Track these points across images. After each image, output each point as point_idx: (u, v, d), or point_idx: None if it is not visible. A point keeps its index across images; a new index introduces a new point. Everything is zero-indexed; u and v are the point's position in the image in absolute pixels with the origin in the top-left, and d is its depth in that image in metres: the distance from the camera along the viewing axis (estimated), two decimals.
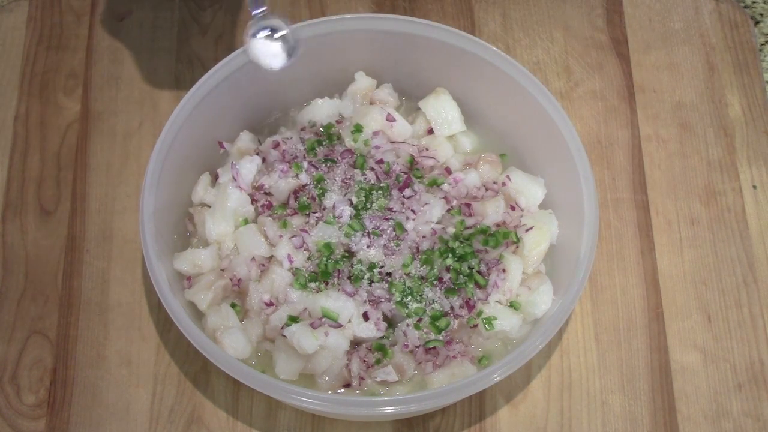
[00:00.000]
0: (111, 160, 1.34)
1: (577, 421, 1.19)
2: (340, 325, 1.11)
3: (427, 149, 1.25)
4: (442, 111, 1.27)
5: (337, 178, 1.21)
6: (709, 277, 1.28)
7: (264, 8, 1.12)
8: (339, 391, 1.13)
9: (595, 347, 1.23)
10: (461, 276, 1.16)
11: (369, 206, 1.19)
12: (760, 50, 1.45)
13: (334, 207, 1.18)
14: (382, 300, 1.14)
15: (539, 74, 1.41)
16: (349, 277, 1.15)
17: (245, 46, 1.15)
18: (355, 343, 1.14)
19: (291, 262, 1.15)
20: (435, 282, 1.16)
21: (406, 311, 1.14)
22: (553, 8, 1.47)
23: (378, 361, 1.13)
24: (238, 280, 1.17)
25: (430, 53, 1.26)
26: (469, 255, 1.17)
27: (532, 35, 1.45)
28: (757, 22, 1.49)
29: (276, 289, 1.14)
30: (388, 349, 1.13)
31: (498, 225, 1.21)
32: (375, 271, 1.15)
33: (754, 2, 1.51)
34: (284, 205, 1.20)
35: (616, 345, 1.23)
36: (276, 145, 1.24)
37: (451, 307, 1.15)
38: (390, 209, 1.19)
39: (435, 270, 1.16)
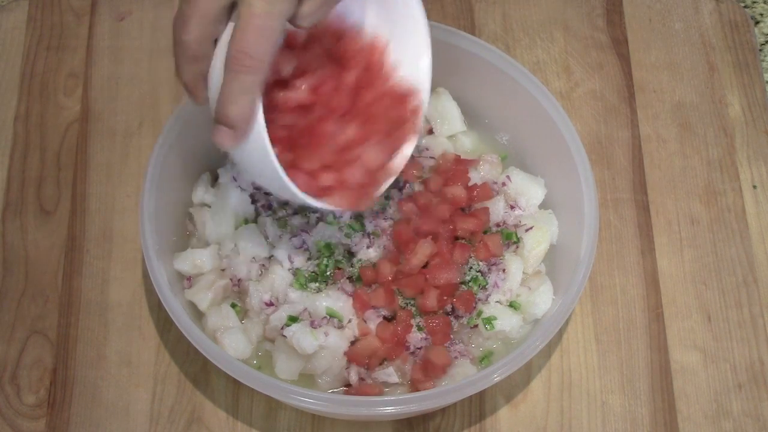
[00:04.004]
0: (111, 160, 1.34)
1: (577, 421, 1.19)
2: (341, 326, 1.11)
3: (427, 149, 1.25)
4: (442, 111, 1.27)
5: None
6: (709, 277, 1.28)
7: None
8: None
9: (595, 347, 1.23)
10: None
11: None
12: (760, 50, 1.45)
13: None
14: None
15: (539, 74, 1.40)
16: (349, 277, 1.15)
17: None
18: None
19: (291, 262, 1.15)
20: None
21: None
22: (553, 8, 1.47)
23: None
24: (238, 280, 1.17)
25: None
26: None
27: (532, 35, 1.45)
28: (757, 22, 1.49)
29: (276, 289, 1.14)
30: None
31: (498, 225, 1.21)
32: None
33: (754, 2, 1.51)
34: (284, 205, 1.20)
35: (616, 345, 1.23)
36: None
37: (452, 308, 1.15)
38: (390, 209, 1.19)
39: None
